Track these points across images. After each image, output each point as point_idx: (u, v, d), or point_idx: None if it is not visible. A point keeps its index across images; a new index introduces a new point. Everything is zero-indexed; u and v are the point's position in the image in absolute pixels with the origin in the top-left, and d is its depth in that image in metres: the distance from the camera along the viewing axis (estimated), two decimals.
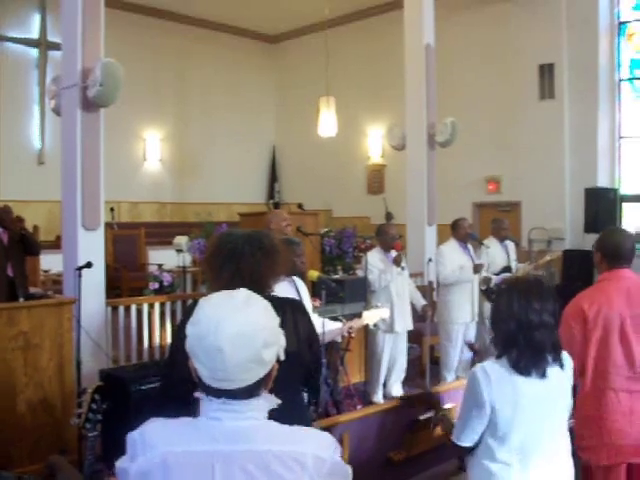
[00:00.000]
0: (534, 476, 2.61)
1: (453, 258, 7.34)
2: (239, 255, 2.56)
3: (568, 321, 3.39)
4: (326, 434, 1.72)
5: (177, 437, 1.64)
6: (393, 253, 7.01)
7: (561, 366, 2.66)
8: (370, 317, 5.33)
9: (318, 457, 1.61)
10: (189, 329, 1.64)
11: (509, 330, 2.62)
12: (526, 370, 2.58)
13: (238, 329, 1.57)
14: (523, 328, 2.60)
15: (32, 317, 5.24)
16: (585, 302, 3.38)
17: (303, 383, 2.83)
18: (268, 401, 1.68)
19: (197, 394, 1.67)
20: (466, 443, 2.70)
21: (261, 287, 2.43)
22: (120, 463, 1.72)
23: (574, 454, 2.84)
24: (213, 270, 2.62)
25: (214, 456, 1.59)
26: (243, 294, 1.68)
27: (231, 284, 2.38)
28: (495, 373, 2.61)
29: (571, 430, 2.89)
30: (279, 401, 1.73)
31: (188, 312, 3.02)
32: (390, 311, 6.51)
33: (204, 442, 1.61)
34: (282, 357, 1.69)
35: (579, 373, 3.29)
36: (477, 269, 7.27)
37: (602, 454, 3.27)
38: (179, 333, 2.67)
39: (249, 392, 1.62)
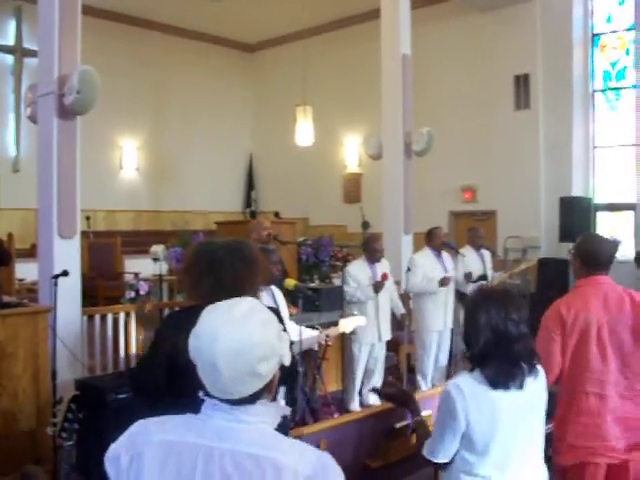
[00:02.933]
0: None
1: (425, 267, 7.38)
2: (219, 265, 2.55)
3: (547, 326, 3.41)
4: (322, 454, 1.70)
5: (166, 428, 1.68)
6: (378, 265, 7.03)
7: (535, 376, 2.64)
8: (347, 325, 5.35)
9: (296, 472, 1.59)
10: (190, 340, 1.67)
11: (487, 343, 2.57)
12: (505, 383, 2.54)
13: (232, 345, 1.59)
14: (502, 340, 2.56)
15: (6, 326, 5.19)
16: (563, 307, 3.40)
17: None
18: (275, 409, 1.71)
19: (200, 394, 1.69)
20: (440, 459, 2.67)
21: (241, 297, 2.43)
22: (112, 450, 1.73)
23: (548, 459, 2.86)
24: (192, 279, 2.61)
25: (197, 448, 1.62)
26: (245, 306, 1.69)
27: (211, 294, 2.38)
28: (469, 388, 2.57)
29: (548, 435, 2.91)
30: (288, 410, 1.77)
31: (165, 321, 3.02)
32: (369, 321, 6.54)
33: (189, 435, 1.65)
34: (287, 363, 1.71)
35: (558, 378, 3.32)
36: (444, 282, 7.31)
37: (569, 455, 3.30)
38: (156, 339, 2.67)
39: (249, 400, 1.65)
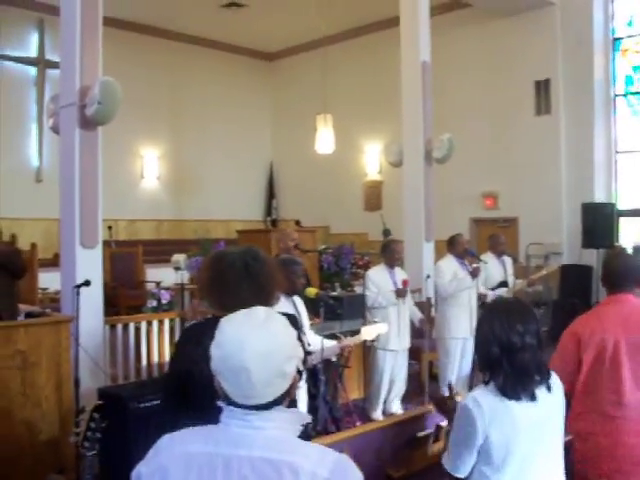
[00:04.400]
0: None
1: (451, 271, 7.35)
2: (236, 274, 2.54)
3: (563, 342, 3.42)
4: (340, 456, 1.69)
5: (186, 440, 1.70)
6: (397, 270, 7.02)
7: (548, 388, 2.62)
8: (368, 333, 5.33)
9: (315, 474, 1.59)
10: (213, 351, 1.68)
11: (492, 354, 2.59)
12: (514, 394, 2.54)
13: (262, 347, 1.62)
14: (506, 351, 2.57)
15: (29, 336, 5.21)
16: (580, 325, 3.41)
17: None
18: (296, 415, 1.72)
19: (219, 402, 1.70)
20: (458, 474, 2.65)
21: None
22: (136, 468, 1.76)
23: (568, 472, 2.82)
24: (209, 289, 2.61)
25: (216, 458, 1.63)
26: (262, 312, 1.72)
27: (228, 303, 2.38)
28: (488, 403, 2.56)
29: (567, 446, 2.87)
30: (310, 418, 1.77)
31: (184, 334, 3.02)
32: (391, 328, 6.51)
33: (208, 444, 1.66)
34: (302, 368, 1.73)
35: (570, 392, 3.28)
36: (475, 273, 7.24)
37: (603, 465, 3.26)
38: (174, 355, 2.67)
39: (271, 405, 1.65)
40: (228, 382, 1.65)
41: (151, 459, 1.73)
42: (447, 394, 3.22)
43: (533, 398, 2.56)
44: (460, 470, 2.65)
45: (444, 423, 3.16)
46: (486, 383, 2.63)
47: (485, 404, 2.57)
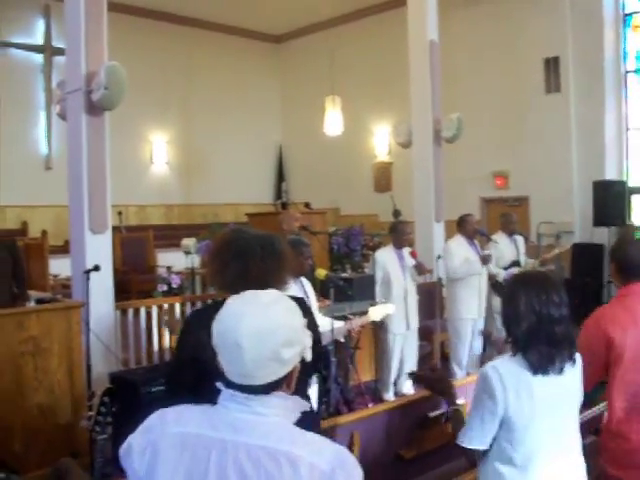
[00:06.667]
0: (548, 476, 2.53)
1: (460, 253, 7.32)
2: (251, 254, 2.52)
3: (590, 341, 3.15)
4: (339, 448, 1.67)
5: (181, 419, 1.68)
6: (405, 251, 7.00)
7: (573, 362, 2.58)
8: (376, 313, 5.32)
9: (314, 465, 1.56)
10: (215, 324, 1.67)
11: (530, 327, 2.51)
12: (545, 368, 2.49)
13: (257, 326, 1.59)
14: (545, 323, 2.51)
15: (41, 321, 5.24)
16: (609, 325, 3.14)
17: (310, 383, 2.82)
18: (295, 403, 1.69)
19: (218, 384, 1.68)
20: (476, 445, 2.59)
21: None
22: (127, 442, 1.74)
23: (588, 453, 2.77)
24: (220, 264, 2.57)
25: (212, 442, 1.61)
26: (272, 295, 1.71)
27: (236, 282, 2.36)
28: (507, 370, 2.52)
29: (582, 425, 2.82)
30: (308, 405, 1.74)
31: (188, 319, 3.00)
32: (398, 309, 6.50)
33: (204, 427, 1.64)
34: (308, 358, 1.70)
35: (590, 385, 3.06)
36: (485, 260, 7.23)
37: (630, 472, 3.11)
38: (181, 339, 2.66)
39: (268, 389, 1.63)
40: (224, 358, 1.64)
41: (142, 434, 1.71)
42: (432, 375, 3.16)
43: (561, 372, 2.52)
44: (473, 441, 2.59)
45: (459, 401, 3.11)
46: (513, 355, 2.57)
47: (504, 370, 2.53)
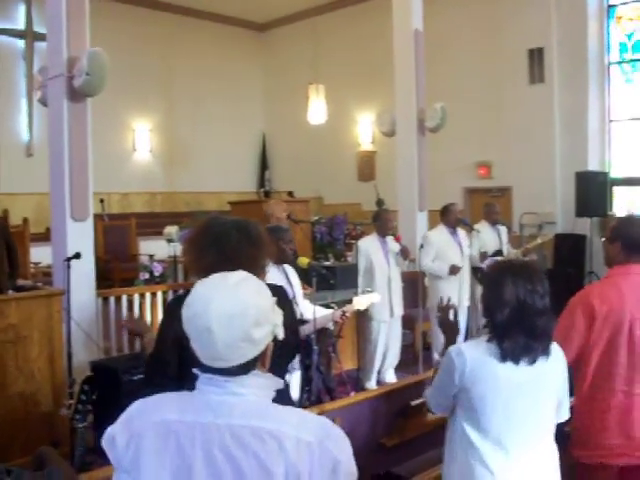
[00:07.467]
0: (517, 467, 2.54)
1: (440, 244, 7.33)
2: (226, 239, 2.52)
3: (574, 311, 3.21)
4: (322, 419, 1.69)
5: (162, 407, 1.68)
6: (389, 239, 7.00)
7: (547, 355, 2.57)
8: (361, 302, 5.32)
9: (299, 439, 1.57)
10: (184, 310, 1.67)
11: (512, 315, 2.51)
12: (517, 357, 2.50)
13: (227, 309, 1.59)
14: (527, 314, 2.51)
15: (21, 309, 5.20)
16: (596, 299, 3.17)
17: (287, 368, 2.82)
18: (270, 381, 1.70)
19: (195, 370, 1.68)
20: (435, 410, 2.82)
21: None
22: (108, 432, 1.73)
23: (562, 447, 2.78)
24: (197, 250, 2.58)
25: (194, 427, 1.61)
26: (238, 275, 1.71)
27: (213, 267, 2.35)
28: (471, 353, 2.55)
29: (564, 422, 2.82)
30: (282, 383, 1.75)
31: (168, 306, 3.00)
32: (382, 297, 6.51)
33: (185, 412, 1.64)
34: (280, 336, 1.70)
35: (572, 363, 3.09)
36: (453, 271, 7.26)
37: (595, 452, 3.17)
38: (161, 327, 2.65)
39: (243, 370, 1.64)
40: (196, 343, 1.64)
41: (123, 425, 1.70)
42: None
43: (532, 363, 2.53)
44: (434, 409, 2.82)
45: None
46: (488, 341, 2.58)
47: (468, 353, 2.56)
